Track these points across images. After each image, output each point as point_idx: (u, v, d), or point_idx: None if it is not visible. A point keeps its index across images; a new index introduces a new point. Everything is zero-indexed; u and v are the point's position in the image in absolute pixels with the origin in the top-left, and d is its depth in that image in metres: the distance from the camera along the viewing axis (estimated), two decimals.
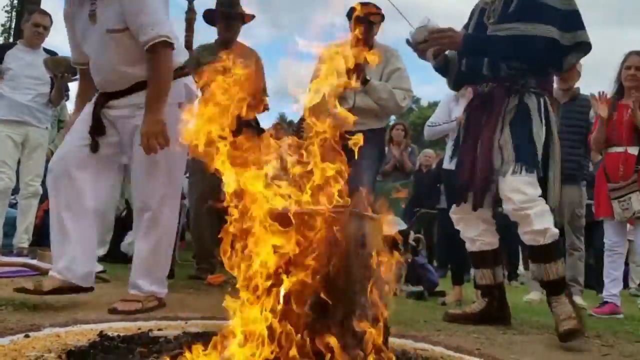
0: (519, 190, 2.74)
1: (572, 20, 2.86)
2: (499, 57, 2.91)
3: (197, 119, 1.60)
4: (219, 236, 1.55)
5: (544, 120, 2.86)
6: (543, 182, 2.84)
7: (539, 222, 2.73)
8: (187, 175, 6.11)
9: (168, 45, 2.64)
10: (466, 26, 3.17)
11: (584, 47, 2.91)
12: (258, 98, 4.14)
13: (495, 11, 2.97)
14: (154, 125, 2.60)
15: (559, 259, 2.82)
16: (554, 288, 2.79)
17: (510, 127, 2.84)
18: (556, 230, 2.78)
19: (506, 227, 7.15)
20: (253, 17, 4.24)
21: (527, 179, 2.76)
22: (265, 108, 4.33)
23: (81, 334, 1.96)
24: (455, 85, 3.34)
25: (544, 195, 2.83)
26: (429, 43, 2.96)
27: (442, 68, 3.20)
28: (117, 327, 2.08)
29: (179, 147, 2.84)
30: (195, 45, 4.17)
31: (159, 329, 2.07)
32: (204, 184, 4.05)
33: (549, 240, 2.75)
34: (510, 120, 2.85)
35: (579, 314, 2.72)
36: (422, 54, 3.07)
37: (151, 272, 2.75)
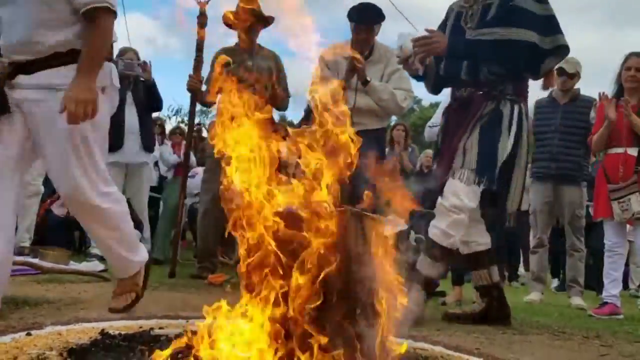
0: (458, 195, 2.91)
1: (551, 25, 2.93)
2: (483, 61, 2.96)
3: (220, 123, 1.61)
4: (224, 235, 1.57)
5: (515, 129, 2.94)
6: (503, 190, 2.96)
7: (452, 228, 2.92)
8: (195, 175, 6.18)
9: (110, 12, 2.32)
10: (441, 27, 3.19)
11: (562, 51, 2.99)
12: (279, 97, 4.15)
13: (474, 16, 3.01)
14: (85, 91, 2.23)
15: (443, 264, 3.04)
16: (426, 284, 3.01)
17: (480, 131, 2.92)
18: (458, 243, 2.95)
19: (506, 229, 7.15)
20: (273, 19, 4.18)
21: (472, 189, 2.89)
22: (285, 107, 4.36)
23: (82, 332, 1.97)
24: (434, 89, 3.37)
25: (505, 200, 2.99)
26: (417, 50, 2.99)
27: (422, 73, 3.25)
28: (119, 326, 2.09)
29: (101, 131, 2.51)
30: (205, 48, 4.17)
31: (160, 328, 2.08)
32: (218, 185, 4.03)
33: (448, 246, 2.94)
34: (482, 125, 2.93)
35: (423, 308, 2.99)
36: (412, 69, 3.13)
37: (130, 246, 2.61)
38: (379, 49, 4.01)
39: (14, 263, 3.84)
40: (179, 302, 2.94)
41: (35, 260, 4.03)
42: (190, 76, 4.15)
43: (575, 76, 4.78)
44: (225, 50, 4.19)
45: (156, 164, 6.85)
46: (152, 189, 6.34)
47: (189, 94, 4.24)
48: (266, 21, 4.18)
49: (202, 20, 4.13)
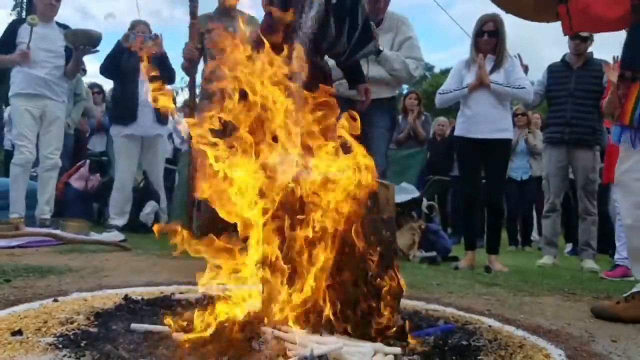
0: None
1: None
2: None
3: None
4: None
5: None
6: None
7: None
8: None
9: None
10: None
11: None
12: None
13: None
14: None
15: None
16: None
17: None
18: None
19: (521, 196, 7.09)
20: None
21: None
22: None
23: (107, 297, 2.05)
24: None
25: None
26: None
27: None
28: (141, 292, 2.17)
29: None
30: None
31: (180, 293, 2.16)
32: None
33: None
34: None
35: None
36: None
37: None
38: (389, 18, 3.99)
39: (37, 234, 3.97)
40: (197, 269, 3.02)
41: (57, 232, 4.14)
42: (186, 44, 4.00)
43: (588, 39, 4.73)
44: (206, 17, 4.11)
45: (170, 136, 6.91)
46: (168, 161, 6.43)
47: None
48: None
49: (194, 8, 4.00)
